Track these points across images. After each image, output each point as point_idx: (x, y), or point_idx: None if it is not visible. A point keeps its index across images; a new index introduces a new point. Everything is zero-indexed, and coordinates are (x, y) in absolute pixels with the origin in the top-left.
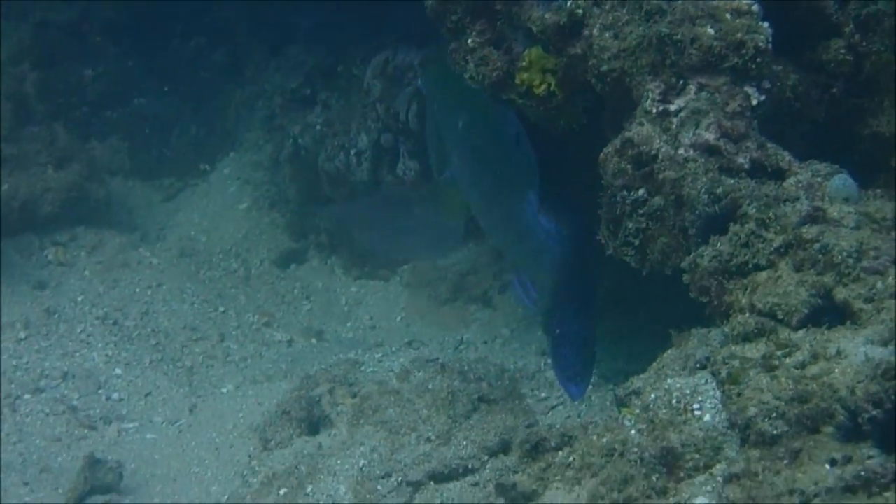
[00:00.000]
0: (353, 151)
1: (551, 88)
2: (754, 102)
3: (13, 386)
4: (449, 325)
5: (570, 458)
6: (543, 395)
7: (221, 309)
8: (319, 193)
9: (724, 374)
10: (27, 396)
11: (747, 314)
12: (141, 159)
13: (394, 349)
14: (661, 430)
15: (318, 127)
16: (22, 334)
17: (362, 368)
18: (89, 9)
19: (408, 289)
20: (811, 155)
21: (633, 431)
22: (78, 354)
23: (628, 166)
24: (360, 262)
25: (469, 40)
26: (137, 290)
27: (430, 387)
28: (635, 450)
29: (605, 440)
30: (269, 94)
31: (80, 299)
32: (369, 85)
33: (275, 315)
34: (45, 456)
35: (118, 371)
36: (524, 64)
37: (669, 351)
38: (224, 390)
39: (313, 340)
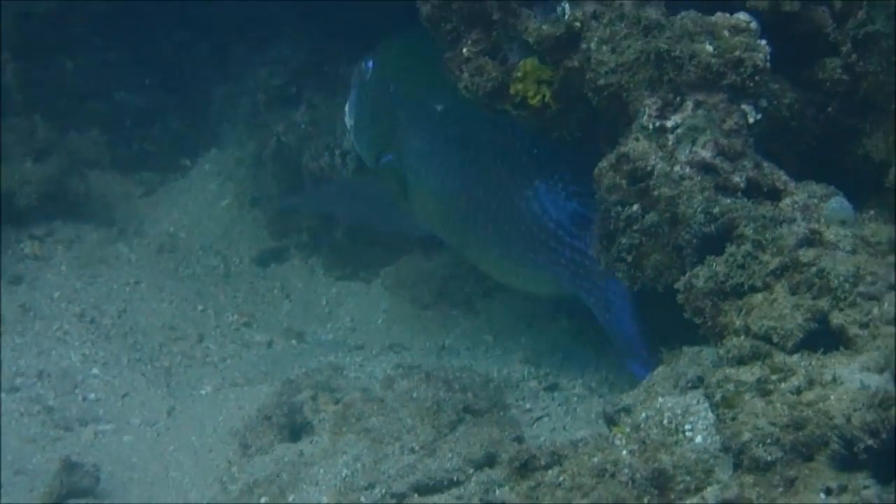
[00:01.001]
0: (337, 152)
1: (546, 99)
2: (751, 120)
3: None
4: (431, 329)
5: (561, 478)
6: (528, 406)
7: (200, 308)
8: None
9: (718, 396)
10: (2, 395)
11: (742, 337)
12: (121, 153)
13: (375, 353)
14: (652, 452)
15: (303, 126)
16: None
17: (344, 373)
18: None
19: (389, 291)
20: (805, 174)
21: (624, 452)
22: (54, 353)
23: (623, 181)
24: (341, 262)
25: (464, 49)
26: (115, 286)
27: (414, 395)
28: (626, 471)
29: (595, 460)
30: (252, 91)
31: (56, 295)
32: None
33: (254, 315)
34: (19, 457)
35: (95, 371)
36: (519, 74)
37: (660, 368)
38: (203, 392)
39: (293, 342)
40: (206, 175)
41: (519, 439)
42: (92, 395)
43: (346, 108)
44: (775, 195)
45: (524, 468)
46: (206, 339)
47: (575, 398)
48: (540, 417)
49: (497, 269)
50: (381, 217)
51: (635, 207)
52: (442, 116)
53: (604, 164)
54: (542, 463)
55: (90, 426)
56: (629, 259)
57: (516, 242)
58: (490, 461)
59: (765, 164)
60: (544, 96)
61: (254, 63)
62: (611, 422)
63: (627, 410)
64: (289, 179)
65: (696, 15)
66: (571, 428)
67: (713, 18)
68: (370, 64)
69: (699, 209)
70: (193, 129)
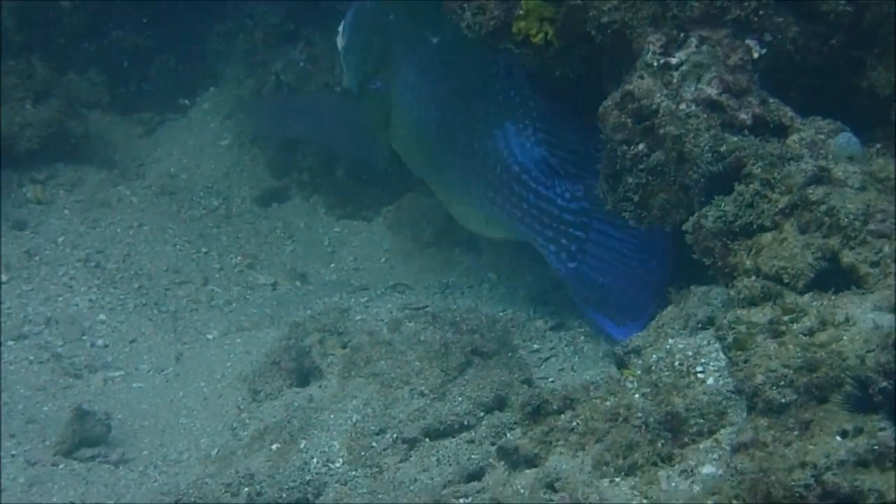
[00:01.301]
0: (338, 90)
1: (548, 37)
2: (756, 56)
3: None
4: (434, 268)
5: (574, 423)
6: (536, 346)
7: (204, 250)
8: None
9: (730, 339)
10: (10, 343)
11: (752, 277)
12: (119, 93)
13: (379, 293)
14: (664, 395)
15: (302, 64)
16: (3, 277)
17: (350, 315)
18: None
19: (391, 230)
20: (810, 109)
21: (636, 395)
22: (61, 299)
23: (628, 120)
24: (342, 201)
25: None
26: (119, 230)
27: (422, 338)
28: (639, 414)
29: (608, 404)
30: (250, 28)
31: (60, 240)
32: None
33: (258, 256)
34: (30, 406)
35: (102, 317)
36: (521, 12)
37: (669, 308)
38: (210, 337)
39: (297, 283)
40: (206, 114)
41: (528, 381)
42: (100, 342)
43: (340, 29)
44: (782, 132)
45: (536, 413)
46: (211, 282)
47: (582, 337)
48: (548, 358)
49: (457, 208)
50: (349, 141)
51: (641, 146)
52: (437, 50)
53: (608, 102)
54: (555, 407)
55: (99, 373)
56: (636, 199)
57: (478, 181)
58: (500, 404)
59: (770, 100)
60: (546, 34)
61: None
62: (621, 364)
63: (637, 352)
64: None
65: None
66: (580, 368)
67: None
68: None
69: (706, 148)
70: (191, 68)
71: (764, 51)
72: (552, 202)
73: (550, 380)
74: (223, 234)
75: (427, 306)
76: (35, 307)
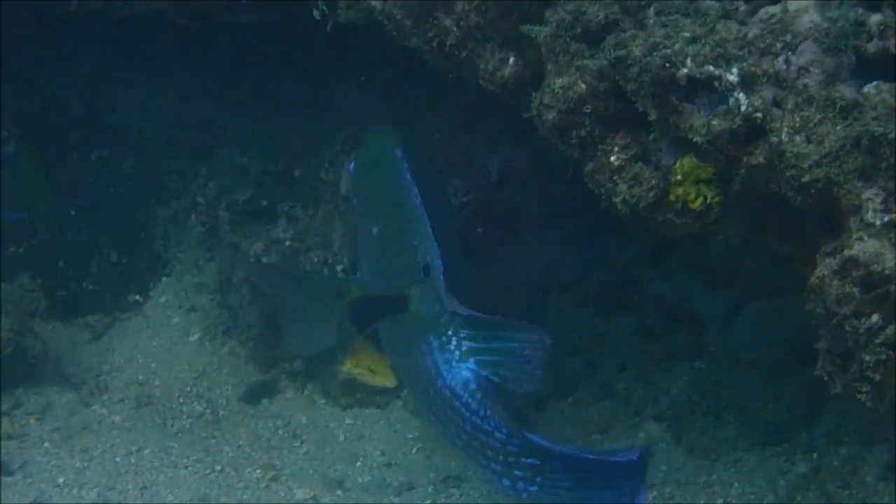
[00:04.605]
0: (339, 268)
1: (707, 201)
2: None
3: None
4: None
5: None
6: None
7: (218, 468)
8: None
9: None
10: None
11: None
12: (59, 297)
13: (431, 490)
14: None
15: (288, 243)
16: None
17: None
18: None
19: (416, 414)
20: None
21: None
22: None
23: (855, 290)
24: (350, 389)
25: (612, 158)
26: (118, 459)
27: None
28: None
29: None
30: (203, 208)
31: (61, 481)
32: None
33: (274, 465)
34: None
35: None
36: (678, 177)
37: None
38: None
39: (339, 493)
40: (164, 309)
41: None
42: None
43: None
44: None
45: None
46: None
47: None
48: None
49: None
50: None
51: (875, 318)
52: (377, 239)
53: (824, 272)
54: None
55: None
56: (876, 378)
57: (421, 396)
58: None
59: None
60: (706, 197)
61: (198, 175)
62: None
63: None
64: (271, 304)
65: (891, 86)
66: None
67: None
68: (351, 167)
69: None
70: (137, 259)
71: None
72: (490, 433)
73: None
74: (224, 444)
75: None
76: None
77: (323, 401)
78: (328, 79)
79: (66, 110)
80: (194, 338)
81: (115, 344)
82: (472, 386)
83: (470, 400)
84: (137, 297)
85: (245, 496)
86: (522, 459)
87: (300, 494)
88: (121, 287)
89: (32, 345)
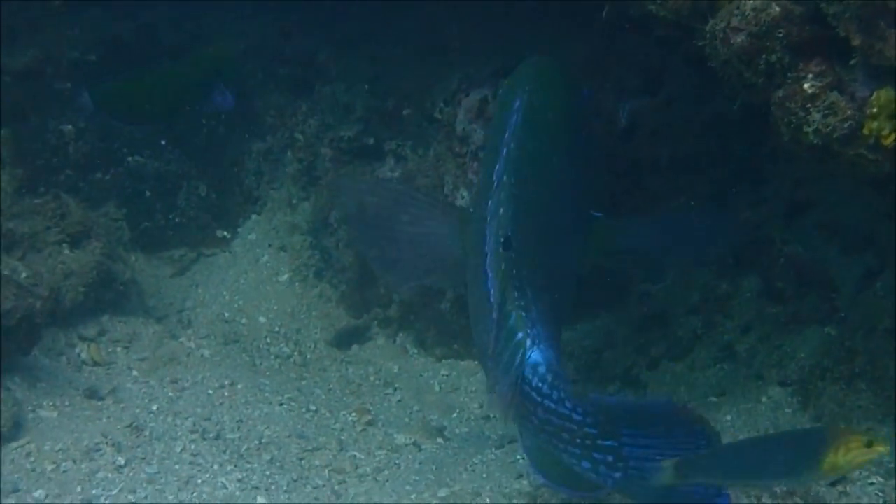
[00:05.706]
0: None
1: None
2: None
3: None
4: None
5: None
6: None
7: (312, 408)
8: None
9: None
10: None
11: None
12: (144, 228)
13: None
14: None
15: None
16: (120, 460)
17: None
18: (49, 49)
19: None
20: None
21: None
22: (201, 481)
23: None
24: (447, 339)
25: (806, 85)
26: (210, 391)
27: None
28: None
29: None
30: (301, 144)
31: (154, 408)
32: (466, 131)
33: (369, 410)
34: None
35: (261, 500)
36: (874, 110)
37: None
38: None
39: (439, 440)
40: (253, 246)
41: None
42: None
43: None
44: None
45: None
46: (346, 447)
47: None
48: None
49: None
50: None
51: None
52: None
53: None
54: None
55: None
56: None
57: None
58: None
59: None
60: None
61: (297, 111)
62: None
63: None
64: None
65: None
66: None
67: None
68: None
69: None
70: (226, 194)
71: None
72: (567, 417)
73: None
74: (314, 387)
75: None
76: (178, 495)
77: (415, 350)
78: (439, 17)
79: (159, 39)
80: (284, 278)
81: (200, 279)
82: (542, 369)
83: (542, 384)
84: (225, 233)
85: (343, 437)
86: (599, 442)
87: (400, 439)
88: (208, 222)
89: (122, 271)
